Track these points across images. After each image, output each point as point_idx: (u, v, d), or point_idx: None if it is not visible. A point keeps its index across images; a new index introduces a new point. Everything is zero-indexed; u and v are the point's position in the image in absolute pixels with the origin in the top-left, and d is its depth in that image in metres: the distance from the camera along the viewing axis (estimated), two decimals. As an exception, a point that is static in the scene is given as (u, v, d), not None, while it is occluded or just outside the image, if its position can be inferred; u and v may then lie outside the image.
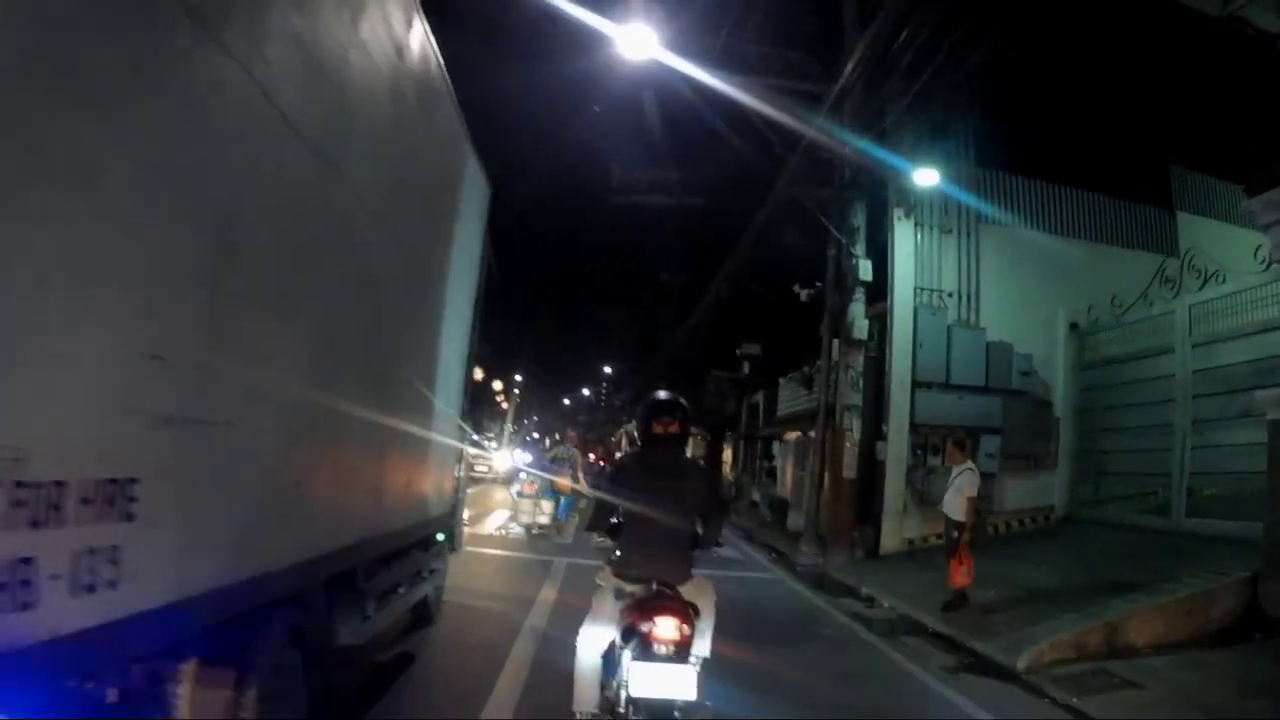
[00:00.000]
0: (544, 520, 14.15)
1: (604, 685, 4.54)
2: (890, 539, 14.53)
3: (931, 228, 15.46)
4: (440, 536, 6.96)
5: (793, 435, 21.06)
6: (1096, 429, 15.65)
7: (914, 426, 14.78)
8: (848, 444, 14.12)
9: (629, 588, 4.51)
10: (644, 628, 4.19)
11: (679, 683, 4.08)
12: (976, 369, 15.25)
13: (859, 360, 14.34)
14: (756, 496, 24.61)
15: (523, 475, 14.99)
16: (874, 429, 14.66)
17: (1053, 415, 16.22)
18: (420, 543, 6.26)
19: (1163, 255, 17.33)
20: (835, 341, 14.48)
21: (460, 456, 7.39)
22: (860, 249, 14.44)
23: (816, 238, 15.33)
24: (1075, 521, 15.44)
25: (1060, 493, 16.00)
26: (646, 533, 4.54)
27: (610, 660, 4.50)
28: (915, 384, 14.76)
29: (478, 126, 7.04)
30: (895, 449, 14.47)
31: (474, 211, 7.03)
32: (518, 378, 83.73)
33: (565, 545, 13.96)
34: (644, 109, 29.34)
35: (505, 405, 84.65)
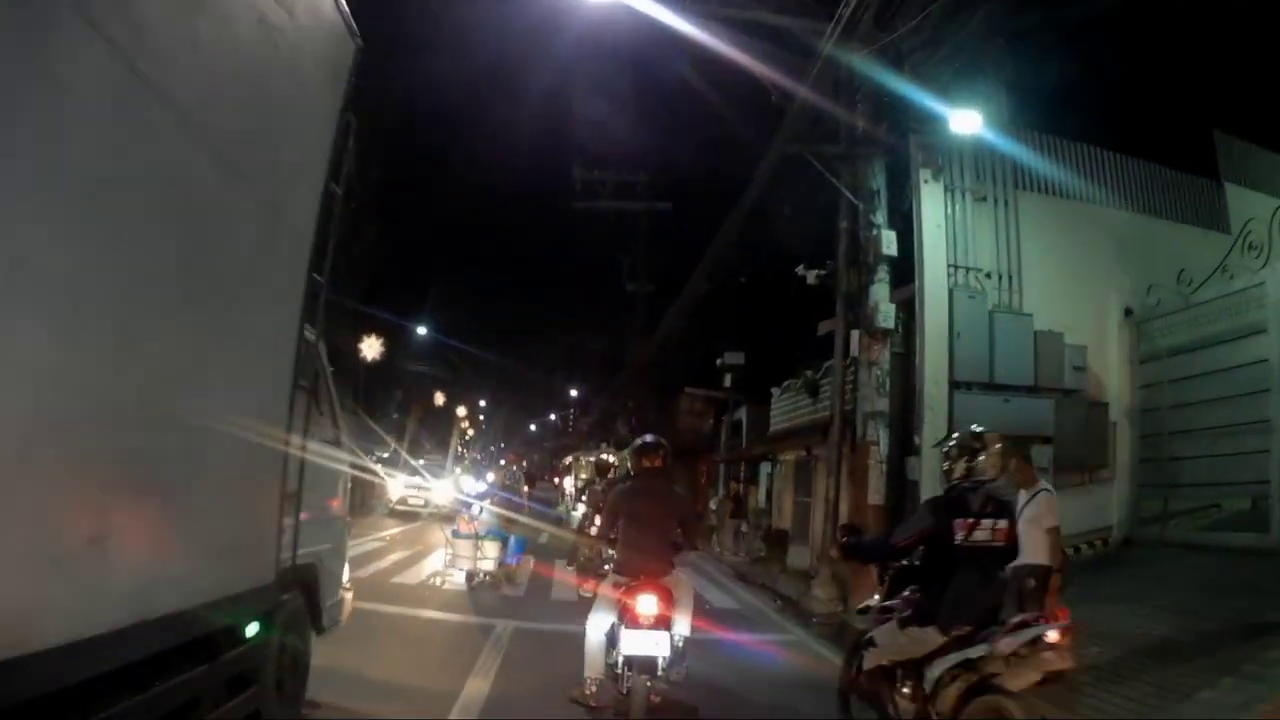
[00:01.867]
0: (488, 566, 10.96)
1: (607, 655, 5.95)
2: (926, 577, 11.60)
3: (963, 193, 12.66)
4: (253, 628, 3.83)
5: (790, 455, 18.03)
6: (1162, 433, 12.86)
7: (952, 437, 11.84)
8: (872, 461, 11.19)
9: (623, 579, 6.05)
10: (630, 604, 5.75)
11: (656, 644, 5.66)
12: (1024, 364, 12.42)
13: (884, 356, 11.45)
14: (744, 527, 21.61)
15: (469, 510, 11.89)
16: (902, 442, 11.77)
17: (1108, 419, 13.44)
18: (184, 649, 3.17)
19: (1211, 230, 14.81)
20: (854, 334, 11.58)
21: (299, 479, 4.24)
22: (881, 217, 11.62)
23: (822, 211, 12.57)
24: (1138, 544, 12.67)
25: (1119, 510, 13.17)
26: (637, 539, 6.13)
27: (612, 637, 5.91)
28: (953, 384, 11.88)
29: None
30: (931, 466, 11.54)
31: (313, 70, 3.98)
32: (481, 403, 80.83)
33: (516, 599, 10.88)
34: (608, 78, 26.54)
35: (469, 429, 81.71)
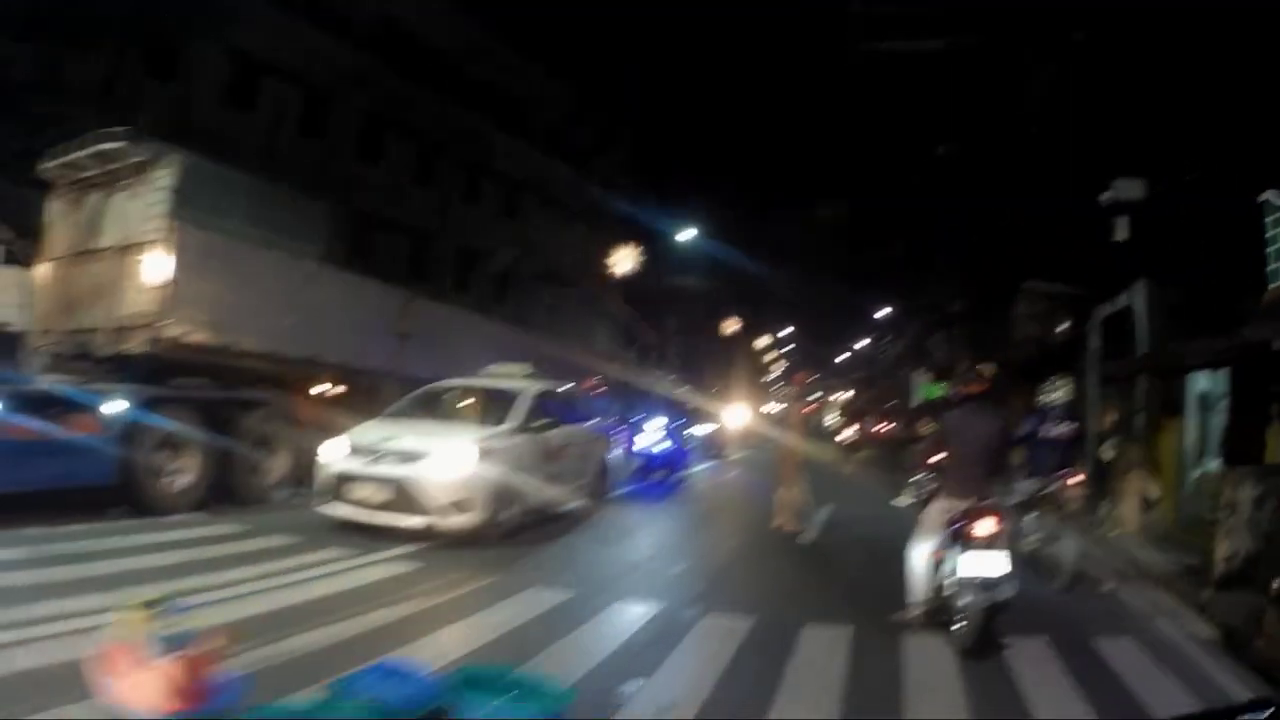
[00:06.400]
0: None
1: (932, 579, 6.38)
2: None
3: None
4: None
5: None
6: None
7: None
8: None
9: (950, 503, 6.44)
10: (967, 527, 6.11)
11: (994, 564, 5.98)
12: None
13: None
14: (1153, 492, 12.01)
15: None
16: None
17: None
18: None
19: None
20: None
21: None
22: None
23: None
24: None
25: None
26: (963, 465, 6.56)
27: (938, 561, 6.39)
28: None
29: None
30: None
31: None
32: (789, 329, 72.77)
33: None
34: None
35: (772, 362, 73.84)
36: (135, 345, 9.80)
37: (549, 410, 10.71)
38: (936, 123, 26.03)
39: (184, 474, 9.69)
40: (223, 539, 8.37)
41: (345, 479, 8.95)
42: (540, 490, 10.01)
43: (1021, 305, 24.49)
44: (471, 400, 11.03)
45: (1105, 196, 12.31)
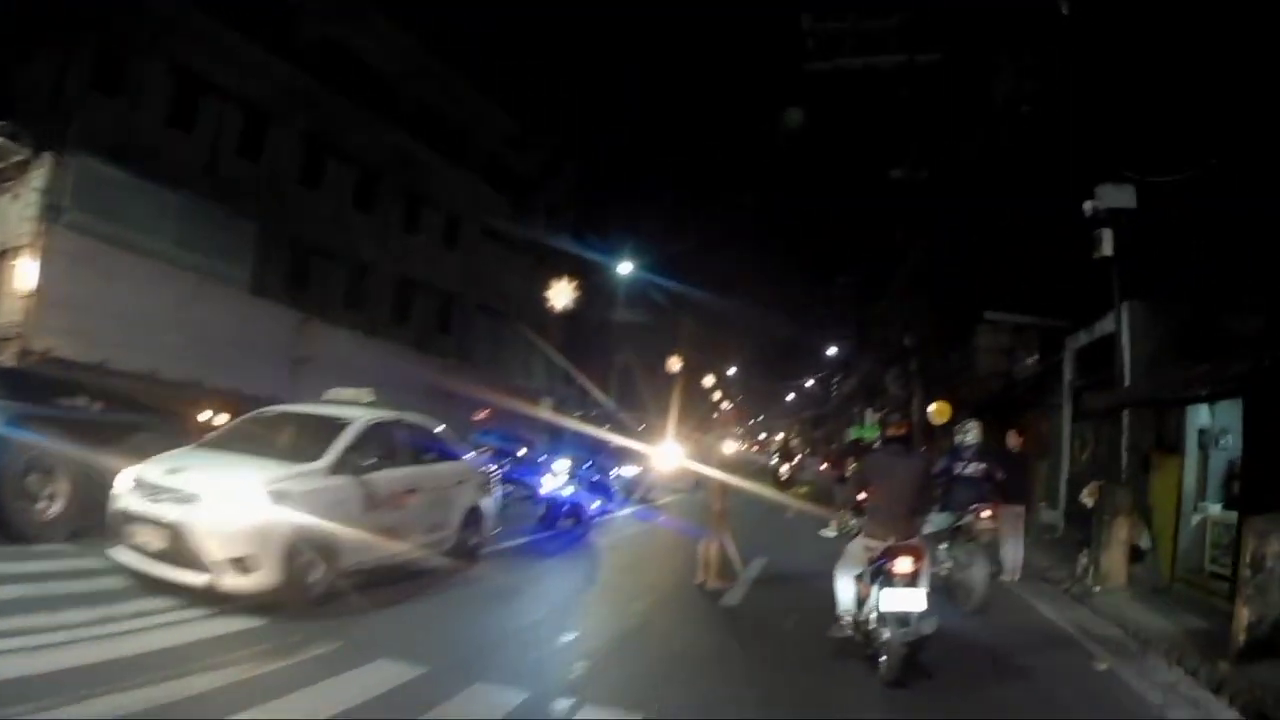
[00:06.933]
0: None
1: (857, 609, 6.68)
2: None
3: None
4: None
5: None
6: None
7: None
8: None
9: (872, 543, 6.72)
10: (888, 565, 6.36)
11: (913, 599, 6.25)
12: None
13: None
14: (1146, 540, 10.61)
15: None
16: None
17: None
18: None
19: None
20: None
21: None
22: None
23: None
24: None
25: None
26: (885, 505, 6.85)
27: (859, 592, 6.71)
28: None
29: None
30: None
31: None
32: (731, 371, 71.70)
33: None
34: None
35: (721, 401, 72.92)
36: (6, 358, 9.14)
37: (389, 445, 8.59)
38: (892, 143, 25.08)
39: (56, 500, 8.51)
40: (76, 574, 7.25)
41: (127, 518, 7.00)
42: (371, 545, 7.82)
43: (982, 338, 23.29)
44: (296, 430, 8.52)
45: (1088, 205, 10.83)
